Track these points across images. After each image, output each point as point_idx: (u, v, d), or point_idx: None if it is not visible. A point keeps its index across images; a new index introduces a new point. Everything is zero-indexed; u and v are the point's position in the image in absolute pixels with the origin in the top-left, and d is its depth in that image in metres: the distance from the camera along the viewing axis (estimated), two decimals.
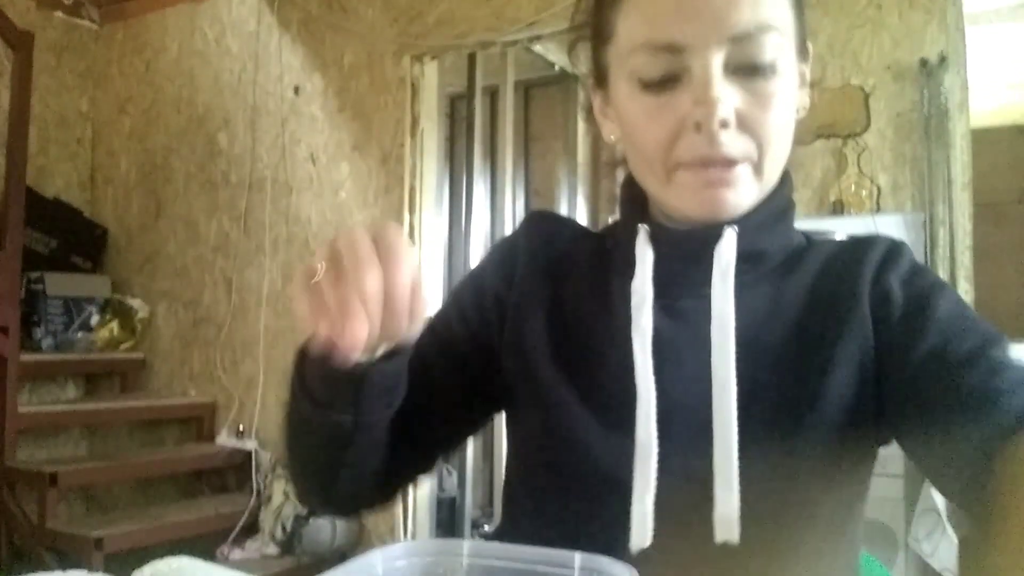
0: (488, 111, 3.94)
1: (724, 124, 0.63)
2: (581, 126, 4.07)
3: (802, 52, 0.70)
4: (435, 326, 0.78)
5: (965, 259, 2.31)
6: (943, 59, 2.33)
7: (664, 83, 0.65)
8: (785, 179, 0.73)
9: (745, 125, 0.64)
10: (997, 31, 3.46)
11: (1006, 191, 4.70)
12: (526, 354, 0.75)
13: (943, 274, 2.28)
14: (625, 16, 0.67)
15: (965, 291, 2.30)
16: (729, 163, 0.65)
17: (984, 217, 2.63)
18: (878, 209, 2.37)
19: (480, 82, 3.77)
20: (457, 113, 4.14)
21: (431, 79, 3.20)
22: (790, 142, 0.69)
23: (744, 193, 0.67)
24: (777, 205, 0.71)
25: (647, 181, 0.71)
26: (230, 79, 3.57)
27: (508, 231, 3.76)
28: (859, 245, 0.73)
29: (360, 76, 3.26)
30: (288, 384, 0.67)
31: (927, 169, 2.34)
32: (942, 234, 2.30)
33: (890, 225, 2.31)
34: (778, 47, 0.64)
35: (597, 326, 0.73)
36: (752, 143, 0.65)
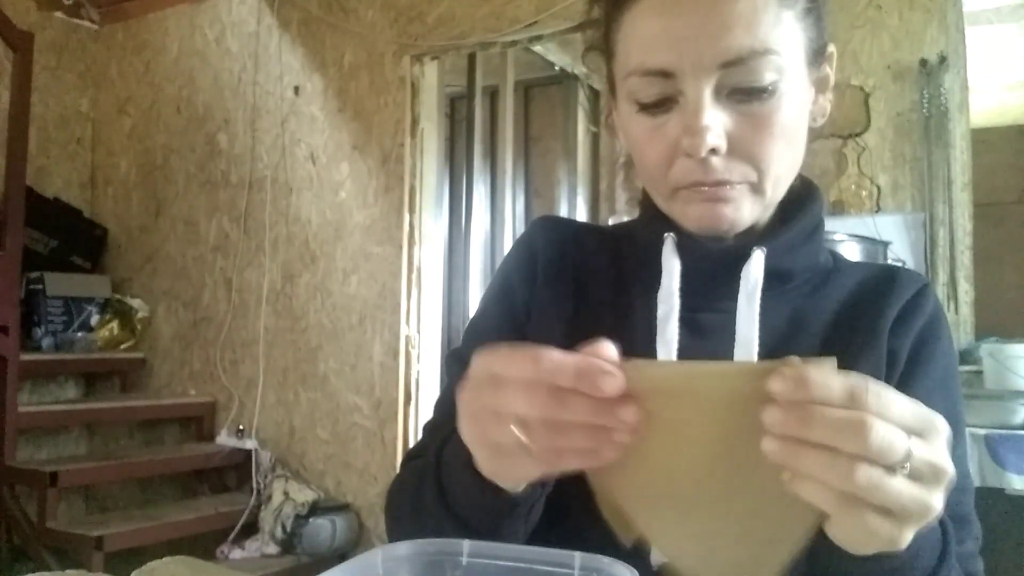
0: (488, 111, 3.95)
1: (714, 152, 0.62)
2: (581, 126, 4.07)
3: (815, 60, 0.67)
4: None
5: (965, 259, 2.31)
6: (943, 59, 2.33)
7: (659, 105, 0.64)
8: (816, 197, 0.73)
9: (739, 150, 0.63)
10: (997, 31, 3.46)
11: (1006, 191, 4.71)
12: None
13: (943, 274, 2.29)
14: (623, 38, 0.67)
15: (965, 291, 2.30)
16: (724, 184, 0.64)
17: (984, 217, 2.64)
18: (878, 209, 2.37)
19: (480, 82, 3.77)
20: (457, 113, 4.14)
21: (431, 79, 3.20)
22: (797, 157, 0.68)
23: (743, 210, 0.66)
24: (807, 225, 0.71)
25: (653, 194, 0.71)
26: (230, 79, 3.57)
27: (508, 231, 3.71)
28: (889, 279, 0.73)
29: (360, 76, 3.25)
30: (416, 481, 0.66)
31: (927, 169, 2.34)
32: (942, 234, 2.30)
33: (890, 225, 2.31)
34: (776, 69, 0.62)
35: (617, 337, 0.72)
36: (748, 166, 0.64)
